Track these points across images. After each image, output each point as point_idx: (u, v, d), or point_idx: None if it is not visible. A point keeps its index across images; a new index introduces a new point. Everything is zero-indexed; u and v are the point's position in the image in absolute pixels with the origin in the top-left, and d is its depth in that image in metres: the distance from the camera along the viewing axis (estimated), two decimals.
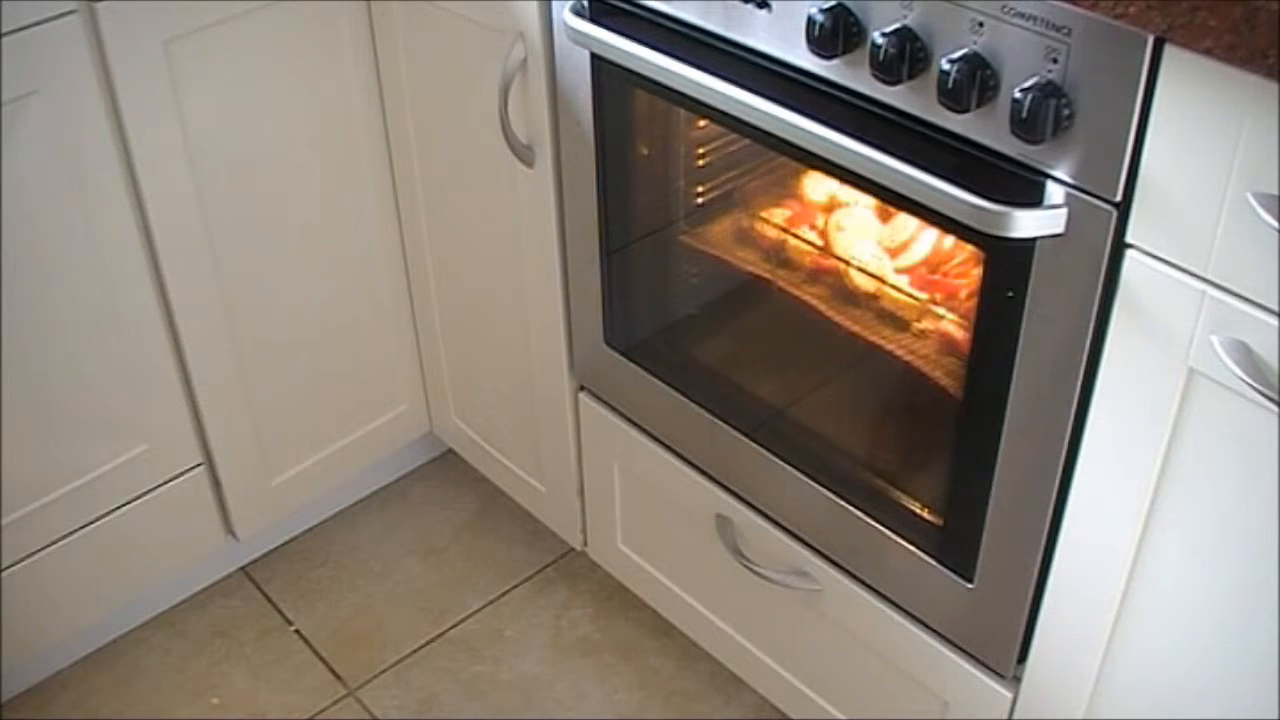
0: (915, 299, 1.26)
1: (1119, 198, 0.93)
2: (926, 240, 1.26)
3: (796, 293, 1.35)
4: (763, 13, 1.10)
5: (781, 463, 1.35)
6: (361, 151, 1.64)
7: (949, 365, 1.22)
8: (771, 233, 1.39)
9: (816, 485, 1.32)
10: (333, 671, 1.74)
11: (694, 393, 1.43)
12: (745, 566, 1.43)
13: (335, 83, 1.57)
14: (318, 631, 1.80)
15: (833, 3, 1.03)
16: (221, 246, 1.55)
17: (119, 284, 1.48)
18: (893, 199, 1.08)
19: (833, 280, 1.33)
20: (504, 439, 1.78)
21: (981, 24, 0.95)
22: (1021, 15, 0.92)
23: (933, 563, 1.23)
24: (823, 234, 1.34)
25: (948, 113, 0.99)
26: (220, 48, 1.45)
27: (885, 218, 1.29)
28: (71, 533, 1.57)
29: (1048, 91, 0.92)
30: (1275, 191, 0.84)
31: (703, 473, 1.47)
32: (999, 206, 0.96)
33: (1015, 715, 1.25)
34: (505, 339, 1.66)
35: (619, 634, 1.78)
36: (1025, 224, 0.96)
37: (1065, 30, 0.90)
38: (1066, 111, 0.92)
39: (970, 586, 1.21)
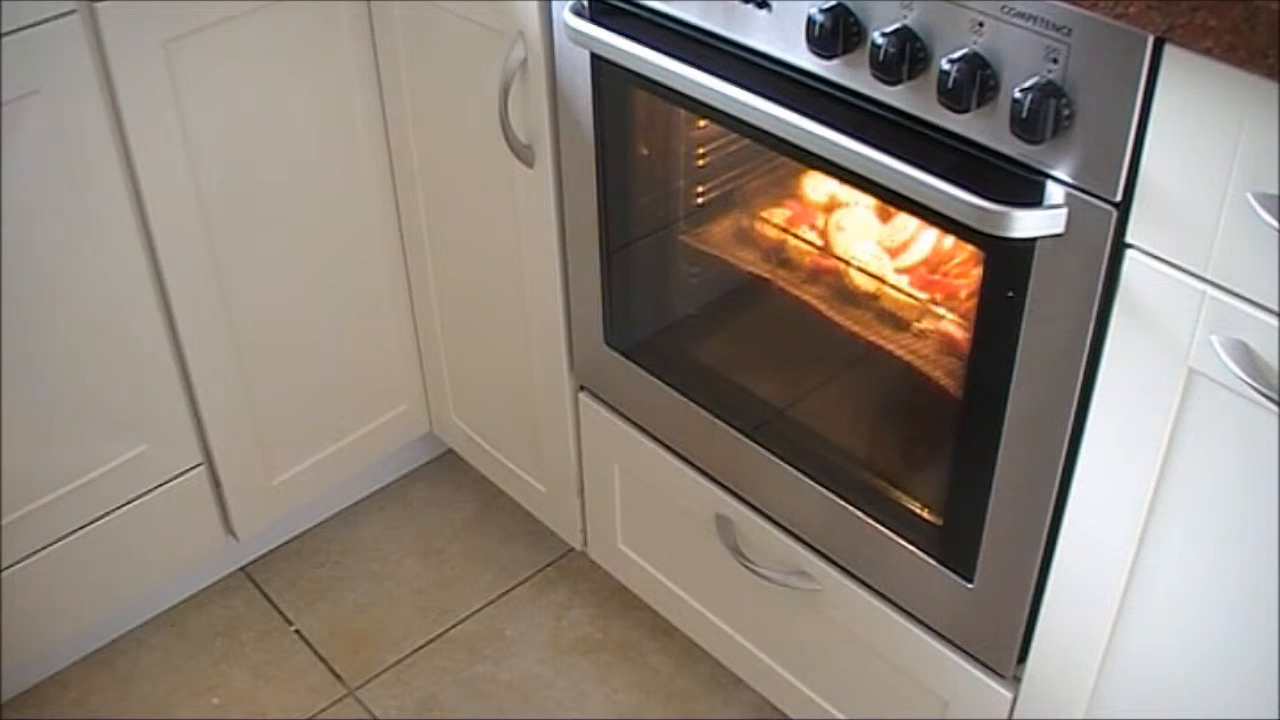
0: (915, 299, 1.26)
1: (1119, 198, 0.93)
2: (926, 240, 1.26)
3: (796, 293, 1.35)
4: (763, 13, 1.10)
5: (781, 463, 1.35)
6: (361, 151, 1.64)
7: (949, 365, 1.22)
8: (771, 233, 1.39)
9: (816, 485, 1.32)
10: (333, 671, 1.74)
11: (694, 393, 1.43)
12: (745, 566, 1.43)
13: (335, 83, 1.57)
14: (318, 631, 1.80)
15: (833, 3, 1.03)
16: (221, 246, 1.55)
17: (119, 284, 1.48)
18: (893, 199, 1.08)
19: (833, 280, 1.33)
20: (504, 439, 1.78)
21: (981, 24, 0.95)
22: (1021, 15, 0.92)
23: (933, 563, 1.23)
24: (823, 234, 1.34)
25: (948, 113, 0.99)
26: (220, 48, 1.45)
27: (885, 218, 1.29)
28: (71, 533, 1.57)
29: (1048, 91, 0.92)
30: (1275, 191, 0.84)
31: (703, 473, 1.47)
32: (999, 206, 0.96)
33: (1015, 715, 1.25)
34: (505, 339, 1.66)
35: (619, 634, 1.78)
36: (1025, 224, 0.96)
37: (1065, 30, 0.90)
38: (1066, 111, 0.92)
39: (970, 586, 1.21)
